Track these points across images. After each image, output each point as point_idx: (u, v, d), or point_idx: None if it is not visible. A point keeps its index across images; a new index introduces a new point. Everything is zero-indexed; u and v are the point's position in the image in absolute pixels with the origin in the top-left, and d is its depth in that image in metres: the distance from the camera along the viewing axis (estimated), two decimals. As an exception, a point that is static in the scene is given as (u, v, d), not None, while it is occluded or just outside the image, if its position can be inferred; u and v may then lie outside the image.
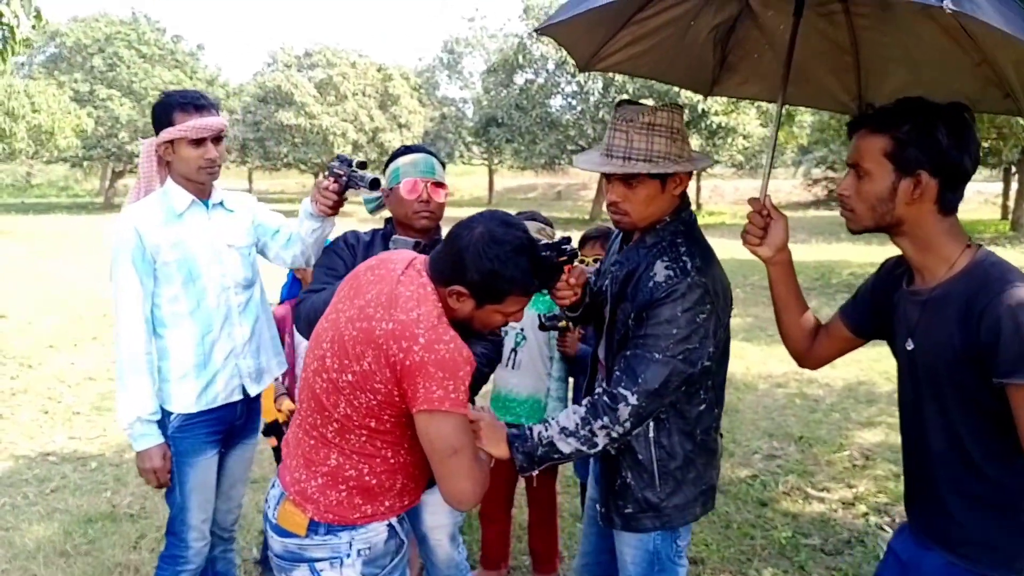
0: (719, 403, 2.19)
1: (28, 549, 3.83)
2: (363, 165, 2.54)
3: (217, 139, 2.57)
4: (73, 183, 50.62)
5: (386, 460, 1.84)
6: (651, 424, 2.06)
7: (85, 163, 39.62)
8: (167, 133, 2.51)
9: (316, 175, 37.23)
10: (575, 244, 3.09)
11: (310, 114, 35.54)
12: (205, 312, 2.59)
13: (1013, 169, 24.03)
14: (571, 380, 3.34)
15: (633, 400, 1.91)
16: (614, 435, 1.94)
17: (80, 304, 10.60)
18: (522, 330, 3.27)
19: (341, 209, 2.65)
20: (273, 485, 2.00)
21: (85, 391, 6.67)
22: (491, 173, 43.47)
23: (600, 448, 1.96)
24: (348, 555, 1.86)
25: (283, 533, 1.89)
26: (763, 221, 2.02)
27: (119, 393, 2.53)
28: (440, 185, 2.53)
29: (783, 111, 2.40)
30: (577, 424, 1.95)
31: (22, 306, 10.29)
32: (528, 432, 1.98)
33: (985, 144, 18.16)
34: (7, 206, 34.58)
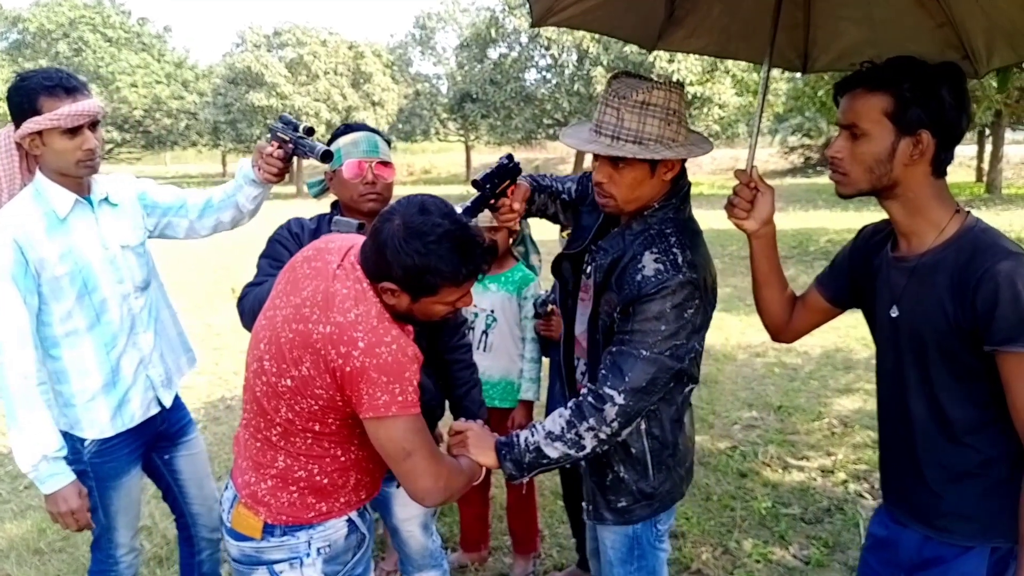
0: (696, 383, 2.15)
1: (1, 548, 3.77)
2: (310, 131, 2.35)
3: (94, 125, 2.23)
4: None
5: (336, 459, 1.77)
6: (642, 417, 1.99)
7: (54, 150, 38.95)
8: (34, 123, 2.14)
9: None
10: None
11: (281, 94, 35.07)
12: (106, 325, 2.31)
13: (987, 132, 24.18)
14: (544, 360, 3.31)
15: (620, 400, 1.83)
16: (602, 436, 1.86)
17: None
18: (492, 312, 3.23)
19: (282, 182, 2.46)
20: (227, 487, 1.93)
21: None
22: (468, 149, 43.22)
23: (588, 451, 1.88)
24: (308, 554, 1.81)
25: (239, 537, 1.83)
26: (750, 194, 1.94)
27: (12, 432, 2.16)
28: (386, 164, 2.39)
29: (758, 78, 2.34)
30: (563, 427, 1.87)
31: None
32: (515, 439, 1.91)
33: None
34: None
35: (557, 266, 2.24)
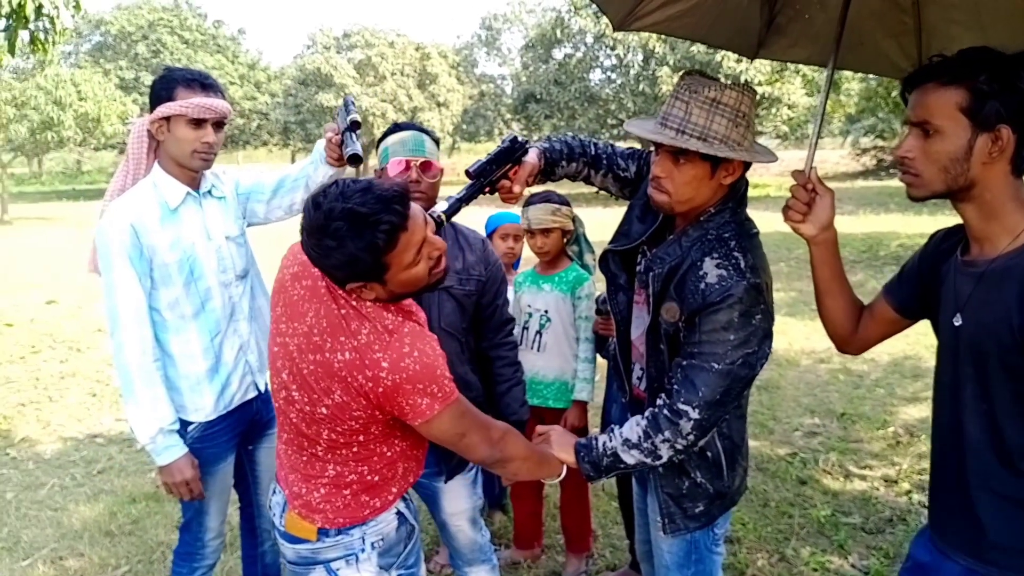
0: None
1: (75, 529, 3.94)
2: (356, 125, 2.35)
3: (218, 125, 2.38)
4: (122, 169, 51.67)
5: (383, 456, 1.80)
6: None
7: (133, 149, 40.35)
8: (166, 108, 2.29)
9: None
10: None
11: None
12: (210, 313, 2.43)
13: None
14: (600, 360, 3.30)
15: (695, 415, 1.80)
16: (678, 447, 1.85)
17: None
18: (546, 312, 3.24)
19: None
20: (274, 492, 1.96)
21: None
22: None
23: (664, 460, 1.88)
24: (363, 550, 1.84)
25: (293, 540, 1.87)
26: (807, 196, 1.83)
27: (130, 408, 2.32)
28: (430, 164, 2.38)
29: (832, 78, 2.26)
30: (640, 436, 1.87)
31: (72, 292, 10.55)
32: (593, 442, 1.94)
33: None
34: (59, 193, 35.47)
35: (604, 261, 2.20)
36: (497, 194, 2.12)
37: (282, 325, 1.76)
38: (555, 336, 3.24)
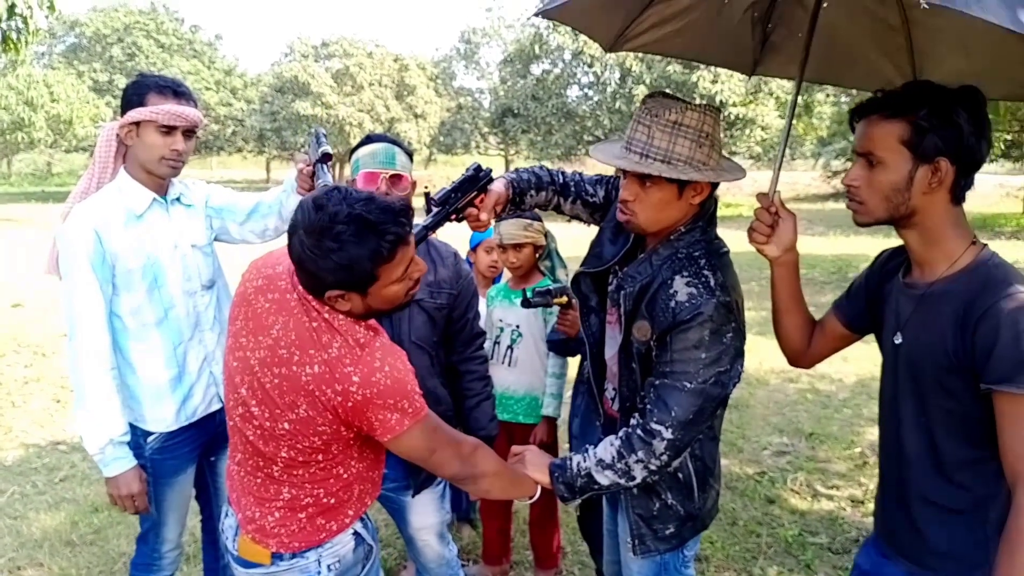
0: None
1: (35, 538, 3.86)
2: (327, 157, 2.38)
3: (189, 133, 2.35)
4: (93, 172, 51.00)
5: (339, 478, 1.77)
6: None
7: (104, 152, 39.92)
8: (136, 113, 2.26)
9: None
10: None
11: (327, 104, 35.59)
12: (173, 321, 2.39)
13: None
14: (570, 373, 3.30)
15: (668, 435, 1.80)
16: (652, 468, 1.85)
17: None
18: (517, 327, 3.24)
19: None
20: (226, 515, 1.92)
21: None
22: (507, 163, 43.36)
23: (638, 481, 1.89)
24: (319, 573, 1.81)
25: (247, 564, 1.82)
26: (771, 219, 1.90)
27: (81, 415, 2.27)
28: (400, 177, 2.37)
29: (798, 101, 2.29)
30: (613, 457, 1.87)
31: (39, 295, 10.36)
32: (567, 463, 1.93)
33: (1008, 136, 17.88)
34: (27, 194, 34.88)
35: (576, 283, 2.22)
36: (465, 222, 2.11)
37: (242, 339, 1.71)
38: (526, 351, 3.24)
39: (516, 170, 2.25)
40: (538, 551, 3.50)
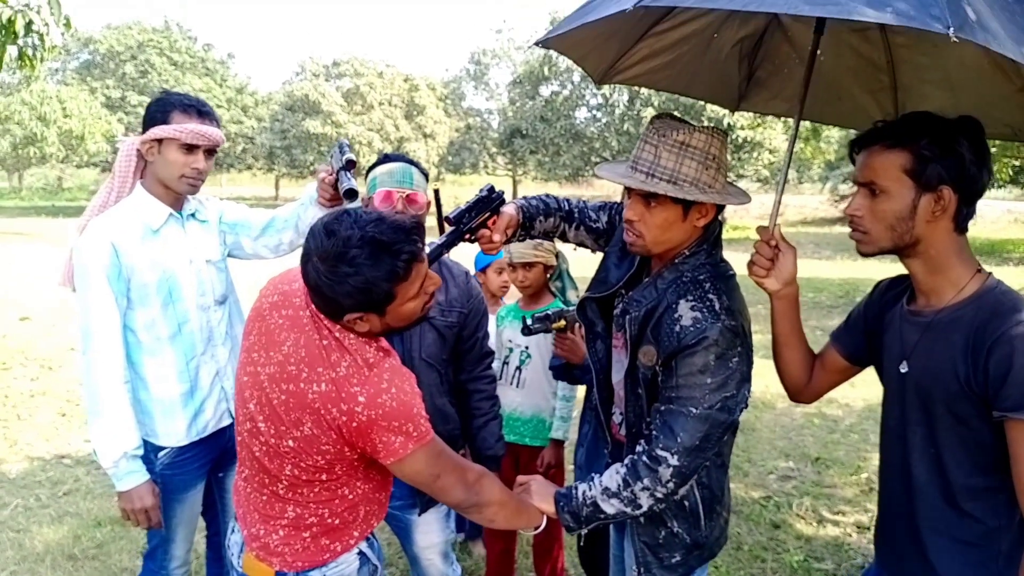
0: None
1: (37, 552, 3.85)
2: (351, 164, 2.38)
3: (210, 152, 2.39)
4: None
5: (344, 499, 1.76)
6: None
7: (115, 168, 40.21)
8: (159, 130, 2.29)
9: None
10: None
11: (336, 123, 35.83)
12: (187, 336, 2.40)
13: (1044, 188, 23.60)
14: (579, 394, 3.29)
15: (674, 461, 1.78)
16: (658, 495, 1.83)
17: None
18: (526, 348, 3.24)
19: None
20: (232, 530, 1.92)
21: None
22: (515, 184, 43.48)
23: (645, 509, 1.85)
24: None
25: None
26: (771, 252, 1.89)
27: (95, 428, 2.27)
28: (414, 196, 2.39)
29: (802, 126, 2.32)
30: (619, 485, 1.85)
31: (47, 309, 10.41)
32: (573, 491, 1.91)
33: (1016, 162, 17.85)
34: (38, 209, 35.11)
35: (582, 309, 2.21)
36: (477, 243, 2.12)
37: (255, 354, 1.71)
38: (535, 372, 3.24)
39: (524, 197, 2.26)
40: (542, 573, 3.48)
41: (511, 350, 3.27)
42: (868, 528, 4.30)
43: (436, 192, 2.22)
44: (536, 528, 1.94)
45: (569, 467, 3.53)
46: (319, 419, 1.59)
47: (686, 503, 1.99)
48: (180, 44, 40.73)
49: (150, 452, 2.39)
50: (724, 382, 1.78)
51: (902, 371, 1.71)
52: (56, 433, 5.68)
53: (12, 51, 6.25)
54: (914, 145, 1.59)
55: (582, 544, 3.20)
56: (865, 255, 1.75)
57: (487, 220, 2.08)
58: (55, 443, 5.47)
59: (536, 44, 2.31)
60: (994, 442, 1.55)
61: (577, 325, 2.65)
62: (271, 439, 1.66)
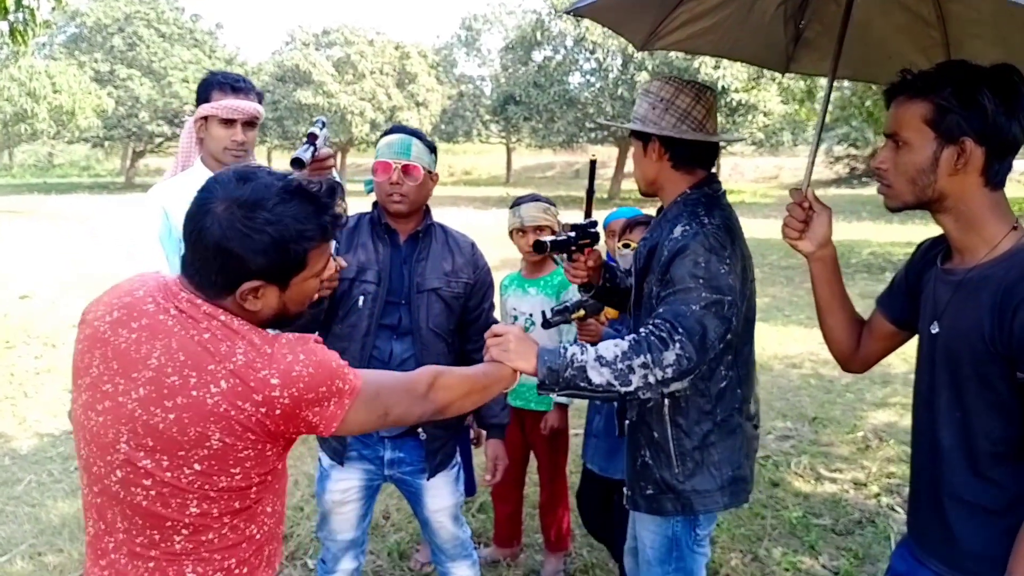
0: (744, 383, 2.11)
1: (53, 524, 3.93)
2: (313, 137, 2.26)
3: (249, 124, 2.58)
4: (94, 163, 51.13)
5: (252, 540, 1.51)
6: (666, 401, 2.02)
7: (106, 143, 40.09)
8: (203, 108, 2.55)
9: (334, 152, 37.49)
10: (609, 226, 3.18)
11: (328, 93, 35.58)
12: None
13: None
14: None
15: (677, 348, 1.78)
16: (651, 380, 1.78)
17: (103, 283, 10.69)
18: (531, 315, 3.30)
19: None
20: None
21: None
22: (509, 151, 43.33)
23: (631, 389, 1.78)
24: None
25: None
26: (803, 214, 1.86)
27: None
28: (411, 167, 2.36)
29: (797, 87, 2.35)
30: (616, 356, 1.78)
31: (46, 286, 10.45)
32: (562, 350, 1.81)
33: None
34: (30, 186, 34.97)
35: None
36: (572, 262, 2.36)
37: (105, 387, 1.40)
38: (540, 340, 3.25)
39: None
40: (548, 534, 3.57)
41: (515, 318, 3.33)
42: (864, 485, 4.41)
43: (592, 161, 2.39)
44: (509, 387, 1.85)
45: (572, 431, 3.61)
46: (228, 424, 1.35)
47: (655, 434, 2.09)
48: (167, 15, 40.19)
49: None
50: (715, 284, 1.89)
51: (933, 332, 1.64)
52: (63, 409, 5.74)
53: (3, 27, 6.21)
54: (935, 95, 1.53)
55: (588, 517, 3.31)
56: (892, 210, 1.70)
57: (586, 246, 2.32)
58: (62, 419, 5.53)
59: (567, 12, 2.41)
60: (1019, 405, 1.48)
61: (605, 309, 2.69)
62: (166, 474, 1.36)
